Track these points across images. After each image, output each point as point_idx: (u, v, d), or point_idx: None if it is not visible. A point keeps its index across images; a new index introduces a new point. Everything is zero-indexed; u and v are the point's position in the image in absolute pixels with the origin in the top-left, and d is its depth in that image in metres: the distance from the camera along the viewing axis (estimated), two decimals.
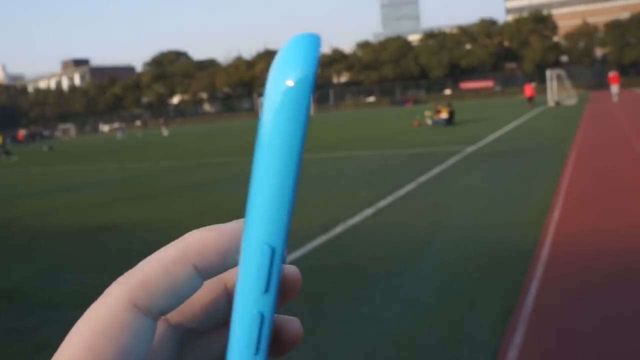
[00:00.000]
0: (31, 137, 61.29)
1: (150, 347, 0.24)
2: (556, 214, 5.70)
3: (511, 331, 3.12)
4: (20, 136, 56.35)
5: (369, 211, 6.61)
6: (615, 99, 28.68)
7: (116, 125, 54.96)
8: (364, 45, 72.92)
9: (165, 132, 41.46)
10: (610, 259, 4.21)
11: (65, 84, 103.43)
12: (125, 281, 0.24)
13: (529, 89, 31.64)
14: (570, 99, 30.80)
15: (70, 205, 9.36)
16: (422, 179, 8.67)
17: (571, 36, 62.78)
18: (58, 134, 72.85)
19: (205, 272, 0.24)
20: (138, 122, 78.28)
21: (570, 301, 3.51)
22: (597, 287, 3.69)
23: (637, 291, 3.57)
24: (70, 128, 73.67)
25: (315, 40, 0.22)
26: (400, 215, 6.36)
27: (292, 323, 0.27)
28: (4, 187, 13.88)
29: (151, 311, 0.23)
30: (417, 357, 2.93)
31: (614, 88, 29.50)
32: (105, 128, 76.26)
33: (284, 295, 0.26)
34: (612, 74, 30.26)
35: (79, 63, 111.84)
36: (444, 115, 20.46)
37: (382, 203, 7.03)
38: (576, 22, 67.11)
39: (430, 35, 69.89)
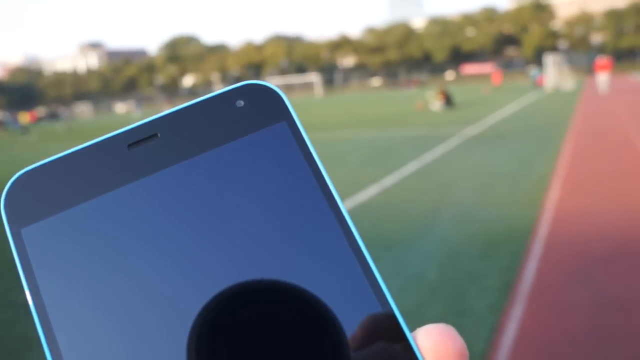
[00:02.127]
0: (50, 117, 61.06)
1: None
2: (554, 193, 5.67)
3: (510, 304, 3.12)
4: (32, 117, 51.82)
5: (374, 189, 6.59)
6: (603, 88, 21.94)
7: (132, 104, 54.96)
8: (369, 30, 72.34)
9: None
10: (606, 237, 4.19)
11: (81, 66, 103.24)
12: None
13: (497, 76, 32.51)
14: (568, 83, 30.54)
15: None
16: (425, 158, 8.63)
17: (569, 23, 62.07)
18: (76, 112, 72.90)
19: None
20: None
21: (568, 276, 3.50)
22: (594, 264, 3.68)
23: (632, 268, 3.55)
24: (86, 108, 73.69)
25: None
26: (404, 193, 6.34)
27: None
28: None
29: None
30: None
31: (602, 76, 22.80)
32: (120, 108, 76.27)
33: None
34: (601, 60, 23.75)
35: (95, 46, 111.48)
36: (440, 100, 20.47)
37: (387, 181, 7.01)
38: (575, 9, 66.24)
39: (434, 22, 69.27)
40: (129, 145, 0.25)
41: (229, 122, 0.25)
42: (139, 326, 0.22)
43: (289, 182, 0.25)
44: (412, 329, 0.26)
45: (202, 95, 0.26)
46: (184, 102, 0.26)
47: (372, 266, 0.26)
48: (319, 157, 0.27)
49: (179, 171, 0.24)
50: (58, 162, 0.25)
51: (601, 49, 58.33)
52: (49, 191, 0.24)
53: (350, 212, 0.26)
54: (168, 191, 0.23)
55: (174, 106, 0.26)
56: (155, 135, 0.25)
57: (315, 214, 0.25)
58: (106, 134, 0.26)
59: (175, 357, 0.22)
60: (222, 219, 0.23)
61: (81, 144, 0.26)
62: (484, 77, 61.08)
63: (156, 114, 0.26)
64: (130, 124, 0.26)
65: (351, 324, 0.24)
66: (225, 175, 0.24)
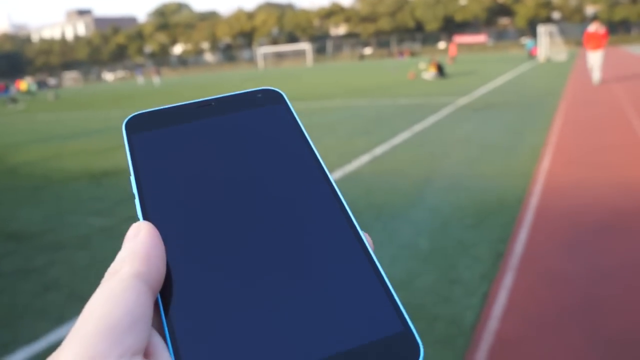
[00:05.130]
0: (38, 86, 60.08)
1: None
2: (545, 165, 5.66)
3: (501, 274, 3.12)
4: (18, 84, 50.35)
5: (365, 158, 6.55)
6: (596, 75, 14.00)
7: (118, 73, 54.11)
8: None
9: (157, 81, 40.58)
10: (597, 208, 4.19)
11: (69, 34, 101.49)
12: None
13: (452, 48, 32.50)
14: (561, 54, 30.41)
15: (75, 151, 9.28)
16: (417, 128, 8.59)
17: None
18: (64, 81, 71.90)
19: None
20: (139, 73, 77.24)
21: (558, 247, 3.50)
22: (584, 235, 3.68)
23: (621, 239, 3.56)
24: (76, 76, 72.70)
25: None
26: (395, 162, 6.31)
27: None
28: (12, 133, 13.73)
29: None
30: (412, 298, 2.93)
31: (594, 56, 13.92)
32: (109, 76, 75.24)
33: None
34: (594, 32, 13.75)
35: (83, 13, 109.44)
36: (432, 71, 20.42)
37: (378, 151, 6.97)
38: None
39: None
40: (199, 107, 0.41)
41: (253, 102, 0.42)
42: (209, 209, 0.35)
43: (287, 142, 0.39)
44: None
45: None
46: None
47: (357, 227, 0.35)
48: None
49: (223, 121, 0.41)
50: (159, 110, 0.41)
51: (594, 20, 57.94)
52: (152, 121, 0.40)
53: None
54: (219, 131, 0.40)
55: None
56: (209, 104, 0.42)
57: (308, 174, 0.37)
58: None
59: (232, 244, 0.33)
60: (247, 168, 0.37)
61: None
62: (477, 47, 60.72)
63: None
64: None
65: (346, 292, 0.31)
66: (250, 128, 0.40)
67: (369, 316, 0.30)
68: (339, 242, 0.33)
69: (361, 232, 0.34)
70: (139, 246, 0.30)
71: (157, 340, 0.28)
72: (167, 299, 0.30)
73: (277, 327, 0.29)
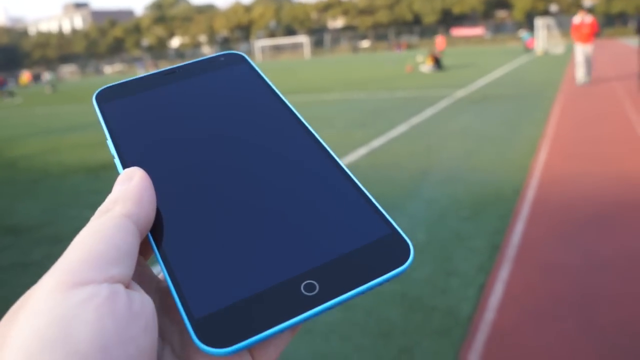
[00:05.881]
0: (33, 79, 59.83)
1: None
2: (542, 157, 5.67)
3: (498, 266, 3.12)
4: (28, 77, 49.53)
5: (362, 151, 6.55)
6: (580, 75, 12.16)
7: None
8: None
9: None
10: (593, 201, 4.20)
11: (66, 27, 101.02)
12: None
13: (440, 41, 30.03)
14: (558, 47, 30.37)
15: (73, 144, 9.25)
16: (414, 121, 8.58)
17: None
18: (61, 74, 71.65)
19: None
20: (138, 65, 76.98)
21: (555, 239, 3.50)
22: (581, 226, 3.68)
23: (618, 231, 3.57)
24: (72, 71, 72.42)
25: None
26: (393, 155, 6.30)
27: None
28: (9, 127, 13.69)
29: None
30: (409, 289, 2.93)
31: (581, 49, 12.05)
32: (108, 70, 74.95)
33: None
34: (581, 24, 12.07)
35: (80, 6, 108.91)
36: (429, 63, 20.41)
37: (375, 143, 6.97)
38: None
39: None
40: (165, 74, 0.43)
41: (217, 65, 0.44)
42: (182, 158, 0.36)
43: (253, 92, 0.41)
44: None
45: (190, 56, 0.33)
46: (172, 64, 0.33)
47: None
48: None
49: (190, 83, 0.42)
50: (127, 81, 0.42)
51: (591, 12, 57.79)
52: (120, 91, 0.41)
53: None
54: (186, 92, 0.41)
55: (159, 67, 0.35)
56: (174, 71, 0.43)
57: (277, 114, 0.39)
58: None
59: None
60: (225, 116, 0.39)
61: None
62: (475, 40, 60.61)
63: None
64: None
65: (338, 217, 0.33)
66: (217, 86, 0.42)
67: (358, 224, 0.32)
68: (318, 166, 0.36)
69: (337, 157, 0.37)
70: (133, 189, 0.31)
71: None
72: (158, 235, 0.31)
73: (272, 244, 0.30)
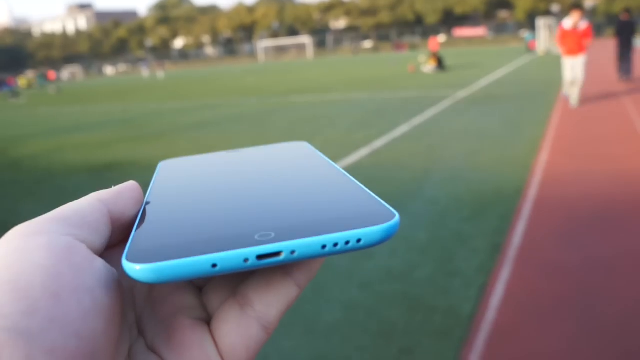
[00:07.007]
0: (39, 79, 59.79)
1: None
2: (543, 157, 5.65)
3: (499, 266, 3.12)
4: (52, 75, 48.57)
5: (364, 151, 6.55)
6: (574, 94, 9.07)
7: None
8: None
9: (161, 74, 40.74)
10: (594, 200, 4.19)
11: (70, 28, 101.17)
12: None
13: (433, 43, 27.92)
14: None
15: (77, 144, 9.27)
16: (416, 121, 8.57)
17: None
18: (65, 76, 71.74)
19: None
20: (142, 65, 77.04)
21: (556, 238, 3.49)
22: (582, 226, 3.67)
23: (619, 229, 3.55)
24: (77, 71, 72.52)
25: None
26: (395, 155, 6.30)
27: None
28: (14, 127, 13.71)
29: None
30: (410, 289, 2.93)
31: (575, 64, 9.05)
32: (109, 70, 75.03)
33: None
34: (575, 24, 8.79)
35: (84, 7, 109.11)
36: (432, 64, 20.41)
37: (377, 143, 6.96)
38: None
39: None
40: (228, 152, 0.45)
41: (278, 148, 0.44)
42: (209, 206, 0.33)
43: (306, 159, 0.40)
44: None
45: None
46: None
47: None
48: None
49: (247, 158, 0.42)
50: (191, 157, 0.44)
51: (593, 12, 57.70)
52: (183, 162, 0.43)
53: None
54: (238, 162, 0.41)
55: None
56: (239, 151, 0.45)
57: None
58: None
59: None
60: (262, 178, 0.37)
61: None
62: (477, 40, 60.53)
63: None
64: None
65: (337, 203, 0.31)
66: (272, 155, 0.42)
67: (338, 198, 0.32)
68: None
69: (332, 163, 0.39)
70: (115, 188, 0.32)
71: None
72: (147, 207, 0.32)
73: (241, 210, 0.30)
